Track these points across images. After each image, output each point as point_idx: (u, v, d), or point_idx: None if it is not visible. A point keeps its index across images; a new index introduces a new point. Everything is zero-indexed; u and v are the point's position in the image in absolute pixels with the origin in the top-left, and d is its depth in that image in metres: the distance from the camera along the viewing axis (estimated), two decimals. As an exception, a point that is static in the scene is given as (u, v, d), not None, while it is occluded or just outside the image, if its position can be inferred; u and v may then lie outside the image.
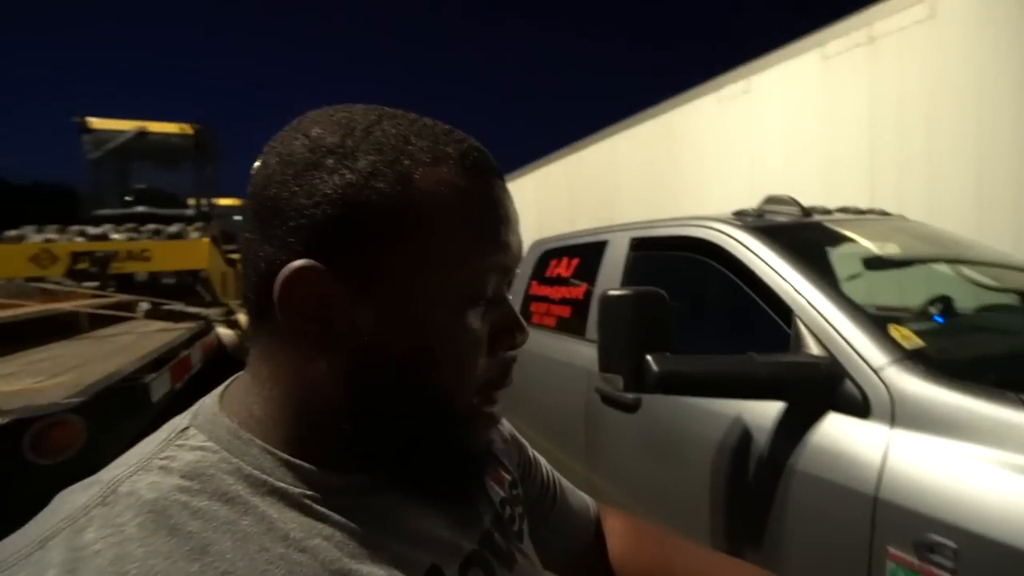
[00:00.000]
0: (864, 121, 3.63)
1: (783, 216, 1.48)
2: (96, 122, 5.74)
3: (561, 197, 6.82)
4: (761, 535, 1.06)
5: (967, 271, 1.68)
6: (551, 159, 7.02)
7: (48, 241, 4.14)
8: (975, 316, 1.60)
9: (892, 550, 0.84)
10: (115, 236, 4.36)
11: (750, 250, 1.25)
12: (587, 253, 2.01)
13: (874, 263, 1.55)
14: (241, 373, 0.34)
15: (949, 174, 3.19)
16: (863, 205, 2.14)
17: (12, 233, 4.34)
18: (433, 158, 0.30)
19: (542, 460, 0.56)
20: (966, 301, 1.63)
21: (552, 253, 2.32)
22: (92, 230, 4.44)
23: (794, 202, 1.50)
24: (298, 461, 0.30)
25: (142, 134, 5.80)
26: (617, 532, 0.58)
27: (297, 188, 0.29)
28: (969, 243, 1.78)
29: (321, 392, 0.30)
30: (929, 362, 0.93)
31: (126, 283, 3.87)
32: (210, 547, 0.25)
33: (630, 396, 1.46)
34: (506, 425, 0.54)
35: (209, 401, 0.33)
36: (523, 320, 0.36)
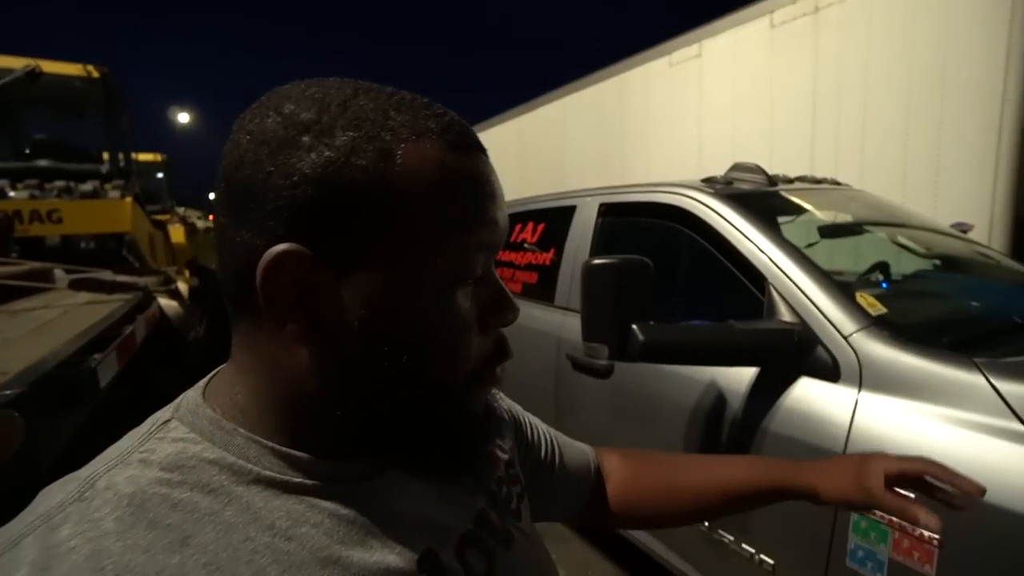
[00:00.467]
0: (807, 90, 3.77)
1: (749, 184, 1.51)
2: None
3: (510, 160, 6.70)
4: (731, 491, 1.12)
5: (901, 238, 1.80)
6: (502, 119, 6.85)
7: None
8: (907, 281, 1.73)
9: (856, 501, 0.90)
10: (13, 194, 3.83)
11: (723, 218, 1.27)
12: (554, 218, 1.99)
13: (829, 231, 1.63)
14: (225, 364, 0.33)
15: (879, 143, 3.40)
16: (803, 171, 2.23)
17: None
18: (415, 133, 0.28)
19: (539, 425, 0.56)
20: (894, 267, 1.76)
21: (517, 218, 2.28)
22: (-18, 187, 3.88)
23: (760, 170, 1.53)
24: (285, 449, 0.29)
25: (34, 74, 5.04)
26: (614, 469, 0.60)
27: (272, 168, 0.27)
28: (906, 212, 1.90)
29: (309, 381, 0.29)
30: (892, 328, 0.99)
31: (33, 248, 3.43)
32: (191, 539, 0.25)
33: (603, 362, 1.48)
34: (504, 401, 0.53)
35: (192, 393, 0.32)
36: (512, 296, 0.34)
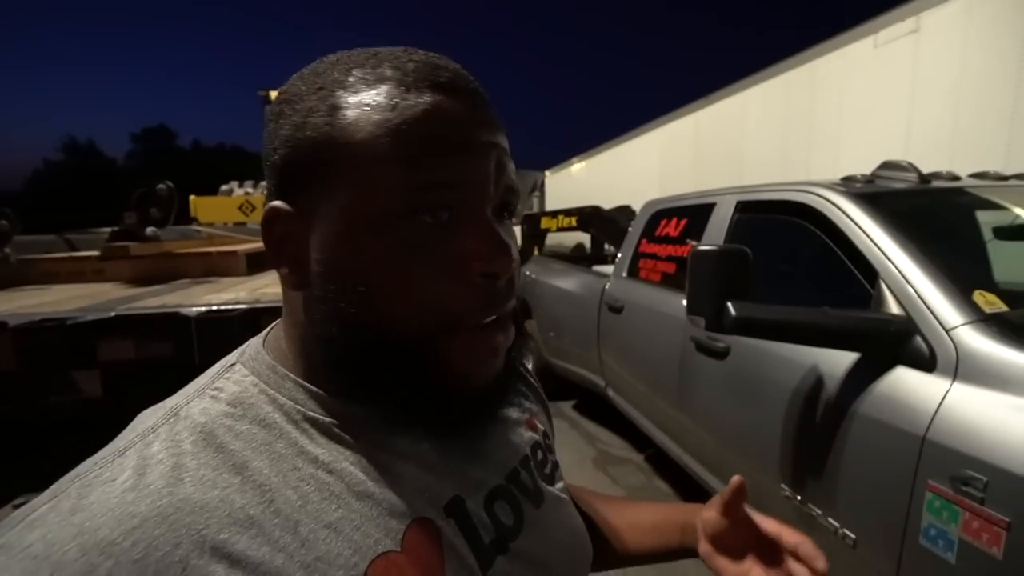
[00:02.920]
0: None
1: (898, 182, 1.49)
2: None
3: (686, 156, 6.58)
4: (821, 470, 1.21)
5: None
6: (679, 114, 6.75)
7: (247, 194, 5.28)
8: None
9: (932, 483, 0.96)
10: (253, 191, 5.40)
11: (847, 215, 1.32)
12: (695, 214, 2.13)
13: (1006, 232, 1.49)
14: None
15: None
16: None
17: (224, 187, 5.61)
18: (368, 83, 0.30)
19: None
20: None
21: (662, 213, 2.46)
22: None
23: (913, 168, 1.49)
24: (324, 393, 0.33)
25: None
26: None
27: (269, 139, 0.32)
28: None
29: (303, 326, 0.33)
30: (1005, 325, 0.99)
31: None
32: (249, 464, 0.29)
33: (720, 344, 1.62)
34: (535, 381, 0.53)
35: (255, 341, 0.37)
36: (506, 245, 0.32)
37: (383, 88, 0.29)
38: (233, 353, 0.36)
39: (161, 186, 2.26)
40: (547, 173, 13.25)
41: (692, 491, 2.20)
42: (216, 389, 0.32)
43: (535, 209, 11.03)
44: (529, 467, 0.41)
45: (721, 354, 1.63)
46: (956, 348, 1.00)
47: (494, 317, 0.32)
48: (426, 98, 0.30)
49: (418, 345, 0.31)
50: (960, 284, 1.08)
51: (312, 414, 0.32)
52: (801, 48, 4.50)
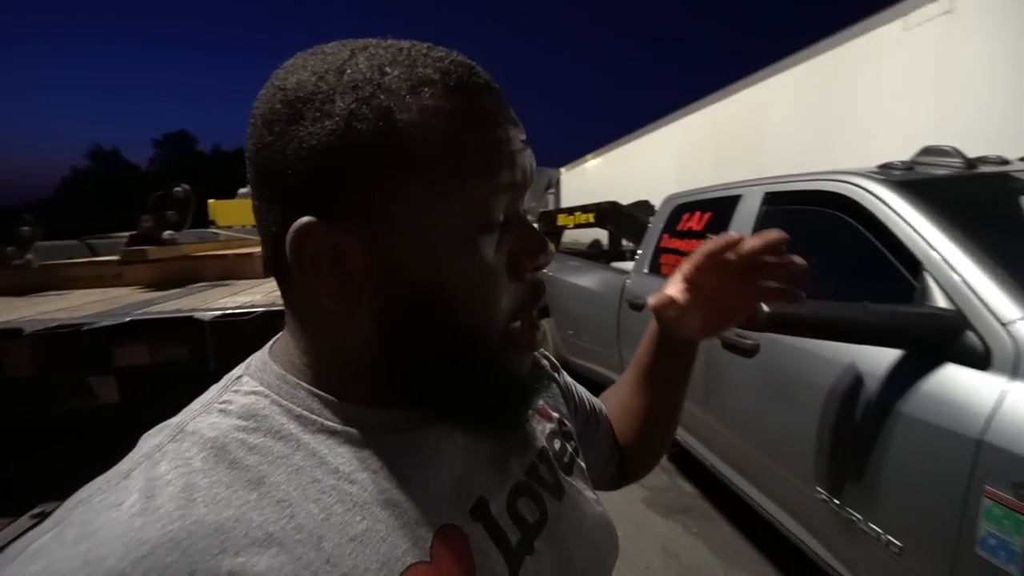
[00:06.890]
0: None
1: (941, 168, 1.40)
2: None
3: (705, 149, 6.44)
4: (861, 473, 1.14)
5: None
6: (697, 106, 6.62)
7: None
8: None
9: (990, 488, 0.89)
10: None
11: (886, 204, 1.24)
12: (720, 207, 2.06)
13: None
14: (285, 329, 0.36)
15: None
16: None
17: (242, 191, 5.73)
18: (411, 86, 0.28)
19: (577, 385, 0.56)
20: None
21: (685, 207, 2.38)
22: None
23: (957, 153, 1.40)
24: (342, 402, 0.31)
25: None
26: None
27: (283, 146, 0.28)
28: None
29: (351, 340, 0.31)
30: (1069, 319, 0.91)
31: None
32: (266, 478, 0.27)
33: (749, 341, 1.56)
34: (550, 358, 0.53)
35: (259, 354, 0.35)
36: (545, 238, 0.34)
37: (431, 91, 0.28)
38: (239, 367, 0.34)
39: (177, 189, 2.27)
40: (563, 170, 13.16)
41: (717, 491, 2.13)
42: (224, 402, 0.30)
43: (551, 207, 10.95)
44: (547, 459, 0.41)
45: (749, 352, 1.56)
46: (1015, 343, 0.93)
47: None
48: (475, 102, 0.30)
49: (493, 348, 0.32)
50: (1017, 275, 1.01)
51: (330, 423, 0.30)
52: (810, 40, 4.36)
